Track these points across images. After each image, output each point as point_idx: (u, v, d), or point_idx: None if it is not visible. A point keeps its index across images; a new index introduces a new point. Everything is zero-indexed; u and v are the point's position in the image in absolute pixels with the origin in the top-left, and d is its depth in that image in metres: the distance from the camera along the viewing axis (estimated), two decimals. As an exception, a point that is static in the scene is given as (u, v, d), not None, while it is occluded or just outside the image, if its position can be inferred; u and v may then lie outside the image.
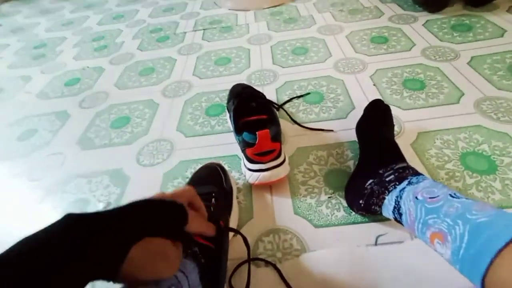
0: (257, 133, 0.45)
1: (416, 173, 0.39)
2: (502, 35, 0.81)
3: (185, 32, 1.13)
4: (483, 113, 0.59)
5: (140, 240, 0.24)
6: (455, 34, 0.85)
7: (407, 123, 0.60)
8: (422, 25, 0.93)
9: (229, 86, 0.69)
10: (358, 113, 0.57)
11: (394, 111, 0.62)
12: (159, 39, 1.11)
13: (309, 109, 0.68)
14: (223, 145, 0.62)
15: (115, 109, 0.78)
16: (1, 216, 0.56)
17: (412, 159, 0.52)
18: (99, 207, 0.54)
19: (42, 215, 0.54)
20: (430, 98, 0.65)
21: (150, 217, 0.26)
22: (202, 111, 0.72)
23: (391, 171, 0.40)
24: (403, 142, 0.55)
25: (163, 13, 1.34)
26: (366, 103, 0.55)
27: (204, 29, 1.12)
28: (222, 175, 0.47)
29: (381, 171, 0.41)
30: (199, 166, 0.51)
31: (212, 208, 0.39)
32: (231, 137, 0.61)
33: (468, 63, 0.73)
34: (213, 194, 0.42)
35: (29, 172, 0.64)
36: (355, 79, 0.75)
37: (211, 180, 0.46)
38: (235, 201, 0.47)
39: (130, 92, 0.84)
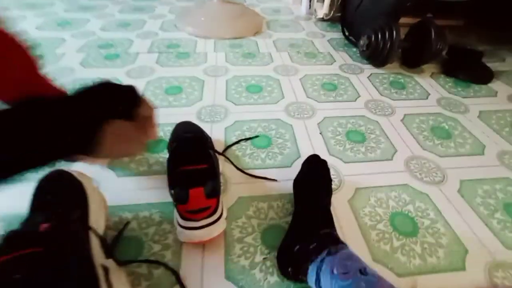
0: (189, 190, 0.41)
1: (336, 241, 0.40)
2: (426, 98, 0.92)
3: (138, 53, 1.06)
4: (410, 172, 0.64)
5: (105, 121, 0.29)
6: (392, 90, 0.94)
7: (347, 177, 0.62)
8: (367, 77, 1.01)
9: (177, 119, 0.65)
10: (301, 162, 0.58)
11: (336, 163, 0.64)
12: (107, 56, 1.03)
13: (255, 154, 0.67)
14: (158, 189, 0.56)
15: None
16: None
17: (347, 216, 0.53)
18: None
19: None
20: (369, 152, 0.69)
21: (110, 98, 0.31)
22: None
23: (315, 238, 0.41)
24: (341, 198, 0.57)
25: (117, 27, 1.26)
26: (311, 153, 0.56)
27: (159, 52, 1.07)
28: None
29: (307, 237, 0.42)
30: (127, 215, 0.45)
31: None
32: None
33: (401, 120, 0.80)
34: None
35: None
36: (303, 125, 0.76)
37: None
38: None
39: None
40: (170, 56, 1.06)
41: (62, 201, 0.41)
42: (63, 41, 1.11)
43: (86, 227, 0.40)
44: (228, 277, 0.43)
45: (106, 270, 0.37)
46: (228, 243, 0.48)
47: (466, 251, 0.49)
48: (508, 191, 0.61)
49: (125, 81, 0.89)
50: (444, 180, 0.62)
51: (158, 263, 0.44)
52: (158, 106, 0.79)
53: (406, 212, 0.55)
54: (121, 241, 0.46)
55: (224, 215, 0.48)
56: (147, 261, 0.44)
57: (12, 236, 0.33)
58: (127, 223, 0.49)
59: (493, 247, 0.50)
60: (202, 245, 0.47)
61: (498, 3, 1.25)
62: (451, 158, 0.69)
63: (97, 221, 0.43)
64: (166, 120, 0.74)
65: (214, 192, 0.44)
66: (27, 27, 1.19)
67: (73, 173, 0.45)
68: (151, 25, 1.30)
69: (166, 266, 0.43)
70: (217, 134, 0.70)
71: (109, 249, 0.40)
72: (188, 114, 0.76)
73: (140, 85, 0.88)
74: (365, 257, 0.47)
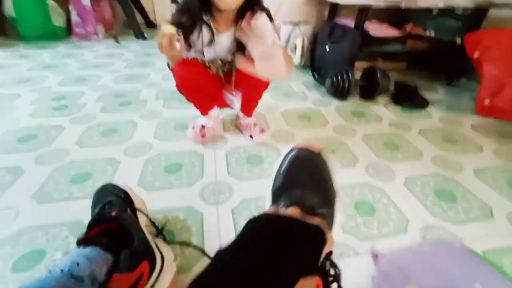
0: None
1: None
2: (381, 122, 1.18)
3: (146, 100, 1.29)
4: (369, 174, 0.85)
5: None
6: (354, 118, 1.20)
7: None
8: (334, 108, 1.27)
9: (187, 148, 0.85)
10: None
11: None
12: (122, 103, 1.24)
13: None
14: (179, 197, 0.73)
15: (75, 166, 0.84)
16: None
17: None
18: (57, 256, 0.57)
19: (-10, 269, 0.55)
20: (338, 162, 0.90)
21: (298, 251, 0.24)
22: (161, 170, 0.84)
23: None
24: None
25: (125, 80, 1.50)
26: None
27: (165, 98, 1.30)
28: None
29: None
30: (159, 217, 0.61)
31: None
32: (187, 190, 0.74)
33: (362, 139, 1.04)
34: None
35: (-25, 226, 0.63)
36: (286, 147, 0.97)
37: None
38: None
39: (92, 151, 0.92)
40: (173, 101, 1.28)
41: (117, 200, 0.58)
42: (83, 93, 1.33)
43: (135, 216, 0.57)
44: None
45: (156, 244, 0.53)
46: (238, 223, 0.64)
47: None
48: (438, 182, 0.82)
49: (138, 122, 1.09)
50: (393, 177, 0.83)
51: (188, 244, 0.59)
52: (169, 139, 0.99)
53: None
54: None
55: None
56: (181, 242, 0.60)
57: (97, 219, 0.50)
58: (166, 223, 0.65)
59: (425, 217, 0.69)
60: (218, 231, 0.63)
61: (427, 53, 1.62)
62: (398, 163, 0.91)
63: (141, 214, 0.60)
64: (178, 149, 0.93)
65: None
66: (51, 84, 1.41)
67: (118, 184, 0.62)
68: (155, 77, 1.55)
69: (194, 246, 0.59)
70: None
71: (159, 231, 0.57)
72: (196, 145, 0.96)
73: (152, 125, 1.08)
74: (338, 231, 0.64)
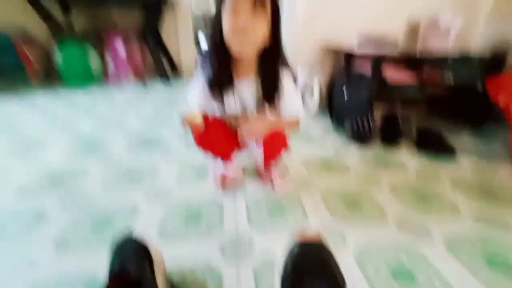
0: None
1: None
2: (406, 170, 1.13)
3: (173, 145, 1.33)
4: (402, 232, 0.78)
5: None
6: (378, 165, 1.16)
7: (350, 236, 0.76)
8: (356, 155, 1.25)
9: (207, 197, 0.83)
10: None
11: (339, 227, 0.79)
12: (146, 144, 1.28)
13: (273, 220, 0.82)
14: (198, 250, 0.70)
15: (96, 213, 0.84)
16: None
17: (355, 272, 0.65)
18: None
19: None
20: (366, 217, 0.85)
21: None
22: (181, 218, 0.82)
23: None
24: (347, 254, 0.70)
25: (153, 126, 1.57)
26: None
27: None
28: None
29: None
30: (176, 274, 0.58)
31: None
32: (207, 243, 0.71)
33: (389, 190, 0.99)
34: None
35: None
36: (309, 197, 0.94)
37: None
38: None
39: (113, 194, 0.93)
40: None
41: (137, 257, 0.56)
42: (110, 136, 1.39)
43: (153, 274, 0.54)
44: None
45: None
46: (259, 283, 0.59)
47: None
48: (486, 246, 0.74)
49: (162, 167, 1.11)
50: (431, 237, 0.76)
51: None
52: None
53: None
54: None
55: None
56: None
57: (117, 278, 0.47)
58: (182, 283, 0.61)
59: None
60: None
61: (447, 98, 1.61)
62: (435, 219, 0.84)
63: (159, 274, 0.57)
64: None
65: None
66: (83, 127, 1.50)
67: (137, 238, 0.61)
68: (178, 119, 1.62)
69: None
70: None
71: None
72: (216, 193, 0.95)
73: (173, 170, 1.09)
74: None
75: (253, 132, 0.80)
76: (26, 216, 0.82)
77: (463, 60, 1.56)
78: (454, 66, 1.58)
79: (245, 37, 0.69)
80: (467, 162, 1.19)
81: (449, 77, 1.59)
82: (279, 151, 0.91)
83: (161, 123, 1.57)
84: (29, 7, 2.23)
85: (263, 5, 0.68)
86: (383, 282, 0.62)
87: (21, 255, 0.69)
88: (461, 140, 1.42)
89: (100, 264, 0.61)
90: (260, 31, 0.70)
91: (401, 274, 0.65)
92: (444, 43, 1.74)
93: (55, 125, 1.51)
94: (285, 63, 0.81)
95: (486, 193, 0.97)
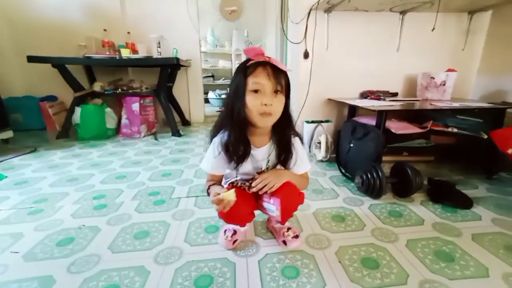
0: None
1: None
2: (422, 223, 1.09)
3: (179, 198, 1.33)
4: (427, 296, 0.72)
5: None
6: (392, 219, 1.12)
7: (371, 303, 0.70)
8: (368, 208, 1.22)
9: (218, 255, 0.80)
10: (329, 293, 0.68)
11: (358, 291, 0.74)
12: (156, 202, 1.29)
13: None
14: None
15: (105, 276, 0.82)
16: None
17: None
18: None
19: None
20: (385, 278, 0.79)
21: None
22: (191, 282, 0.79)
23: None
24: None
25: (161, 177, 1.60)
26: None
27: (196, 196, 1.34)
28: None
29: None
30: None
31: None
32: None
33: (406, 245, 0.94)
34: None
35: None
36: (323, 255, 0.90)
37: None
38: None
39: (123, 257, 0.90)
40: (204, 199, 1.31)
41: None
42: (121, 191, 1.41)
43: None
44: None
45: None
46: None
47: None
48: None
49: (171, 222, 1.10)
50: (458, 302, 0.70)
51: None
52: (201, 244, 0.96)
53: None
54: None
55: None
56: None
57: None
58: None
59: None
60: None
61: (454, 147, 1.63)
62: (461, 282, 0.78)
63: None
64: (208, 256, 0.89)
65: None
66: (95, 182, 1.54)
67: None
68: (188, 174, 1.65)
69: None
70: None
71: None
72: (227, 251, 0.92)
73: (184, 226, 1.08)
74: None
75: (271, 181, 0.82)
76: (32, 285, 0.79)
77: (464, 113, 1.62)
78: (456, 119, 1.63)
79: (270, 116, 0.79)
80: (487, 215, 1.15)
81: (453, 128, 1.64)
82: (295, 206, 0.91)
83: (170, 177, 1.60)
84: (57, 74, 2.48)
85: (282, 86, 0.79)
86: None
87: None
88: (476, 190, 1.39)
89: None
90: (280, 109, 0.80)
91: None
92: (442, 96, 1.83)
93: (68, 181, 1.55)
94: (294, 129, 0.89)
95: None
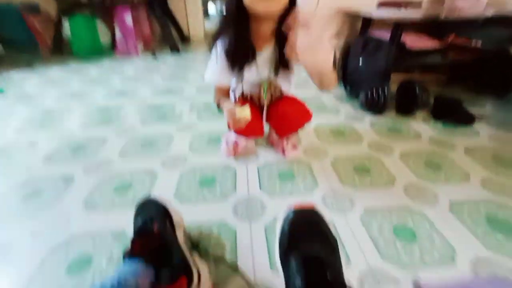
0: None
1: None
2: (419, 139, 1.11)
3: (182, 112, 1.35)
4: (409, 196, 0.80)
5: None
6: (390, 134, 1.15)
7: (358, 200, 0.78)
8: (368, 124, 1.23)
9: (220, 163, 0.87)
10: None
11: (347, 191, 0.82)
12: (159, 116, 1.32)
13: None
14: (212, 211, 0.75)
15: (118, 177, 0.90)
16: (6, 273, 0.61)
17: (361, 233, 0.69)
18: (103, 261, 0.61)
19: (45, 273, 0.60)
20: (374, 182, 0.86)
21: None
22: (196, 183, 0.87)
23: None
24: (353, 216, 0.73)
25: (163, 93, 1.59)
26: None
27: (199, 111, 1.36)
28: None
29: None
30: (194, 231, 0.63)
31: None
32: (220, 205, 0.76)
33: (399, 157, 0.99)
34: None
35: (32, 230, 0.70)
36: (319, 164, 0.96)
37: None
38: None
39: (132, 161, 0.98)
40: (207, 113, 1.33)
41: (158, 215, 0.61)
42: (124, 107, 1.43)
43: (174, 231, 0.59)
44: (271, 264, 0.59)
45: (193, 259, 0.55)
46: (270, 240, 0.64)
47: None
48: (490, 208, 0.75)
49: (174, 134, 1.15)
50: (436, 200, 0.78)
51: (222, 260, 0.60)
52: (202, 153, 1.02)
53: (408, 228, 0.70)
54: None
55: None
56: (216, 258, 0.61)
57: (141, 234, 0.52)
58: (200, 239, 0.67)
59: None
60: (251, 248, 0.64)
61: (472, 65, 1.51)
62: (442, 185, 0.85)
63: (179, 230, 0.62)
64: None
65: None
66: (97, 98, 1.54)
67: (158, 199, 0.65)
68: (189, 90, 1.63)
69: (228, 262, 0.60)
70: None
71: (194, 247, 0.59)
72: (228, 159, 0.98)
73: (187, 138, 1.13)
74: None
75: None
76: (56, 181, 0.89)
77: (496, 21, 1.44)
78: (485, 29, 1.46)
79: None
80: (485, 131, 1.16)
81: (477, 41, 1.49)
82: (302, 124, 0.92)
83: (172, 93, 1.59)
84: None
85: None
86: (386, 240, 0.66)
87: (56, 213, 0.76)
88: (482, 109, 1.36)
89: (126, 222, 0.67)
90: None
91: (403, 232, 0.68)
92: (475, 4, 1.60)
93: (70, 96, 1.56)
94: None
95: (501, 162, 0.96)
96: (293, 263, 0.42)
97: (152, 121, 1.27)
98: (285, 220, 0.49)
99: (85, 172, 0.92)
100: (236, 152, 0.99)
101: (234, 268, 0.59)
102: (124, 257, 0.48)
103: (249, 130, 0.88)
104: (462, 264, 0.61)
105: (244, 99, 0.91)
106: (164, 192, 0.82)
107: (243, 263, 0.61)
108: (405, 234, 0.68)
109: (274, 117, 0.92)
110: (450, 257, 0.62)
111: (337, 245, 0.47)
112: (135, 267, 0.45)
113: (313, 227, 0.48)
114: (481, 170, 0.91)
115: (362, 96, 1.32)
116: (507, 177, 0.88)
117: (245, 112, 0.75)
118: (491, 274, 0.58)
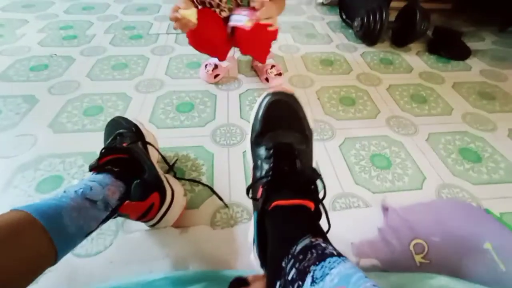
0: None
1: (321, 257, 0.27)
2: (410, 72, 1.06)
3: (158, 34, 1.20)
4: (390, 127, 0.79)
5: None
6: (381, 66, 1.08)
7: (339, 130, 0.77)
8: (360, 55, 1.15)
9: (199, 88, 0.81)
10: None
11: (330, 121, 0.80)
12: (132, 37, 1.17)
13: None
14: (190, 137, 0.72)
15: (87, 98, 0.83)
16: (-32, 190, 0.59)
17: (339, 160, 0.69)
18: (73, 183, 0.60)
19: (14, 192, 0.58)
20: (358, 113, 0.84)
21: None
22: (173, 107, 0.82)
23: (291, 262, 0.28)
24: (333, 145, 0.73)
25: (136, 11, 1.39)
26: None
27: (177, 34, 1.21)
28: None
29: (283, 264, 0.29)
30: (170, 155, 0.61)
31: None
32: (199, 130, 0.73)
33: (386, 89, 0.95)
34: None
35: (-3, 150, 0.66)
36: (304, 93, 0.91)
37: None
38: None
39: (103, 84, 0.89)
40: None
41: (129, 132, 0.57)
42: (91, 23, 1.25)
43: (146, 150, 0.57)
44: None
45: (166, 178, 0.54)
46: (247, 166, 0.64)
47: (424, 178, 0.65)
48: (465, 141, 0.76)
49: (150, 57, 1.04)
50: (416, 131, 0.78)
51: (198, 181, 0.60)
52: (181, 78, 0.94)
53: (383, 153, 0.71)
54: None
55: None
56: (191, 180, 0.61)
57: (109, 148, 0.49)
58: (176, 159, 0.65)
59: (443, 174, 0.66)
60: (228, 172, 0.64)
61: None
62: (424, 118, 0.84)
63: (152, 149, 0.59)
64: (190, 88, 0.89)
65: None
66: (57, 11, 1.33)
67: (129, 118, 0.61)
68: (166, 9, 1.42)
69: (203, 184, 0.60)
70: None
71: (170, 167, 0.57)
72: (209, 84, 0.92)
73: (164, 61, 1.02)
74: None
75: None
76: (17, 101, 0.81)
77: None
78: None
79: None
80: (478, 66, 1.11)
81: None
82: (268, 42, 0.84)
83: (147, 11, 1.39)
84: None
85: None
86: (361, 168, 0.67)
87: (21, 134, 0.71)
88: (482, 42, 1.29)
89: (98, 145, 0.64)
90: None
91: (379, 160, 0.70)
92: None
93: (24, 7, 1.34)
94: None
95: (485, 97, 0.95)
96: (263, 148, 0.41)
97: (124, 42, 1.13)
98: (262, 102, 0.44)
99: (50, 94, 0.84)
100: (216, 77, 0.92)
101: (210, 190, 0.60)
102: (91, 170, 0.45)
103: (209, 45, 0.81)
104: (429, 189, 0.64)
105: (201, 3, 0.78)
106: (138, 116, 0.78)
107: (219, 186, 0.61)
108: (381, 162, 0.69)
109: (237, 33, 0.80)
110: (419, 183, 0.65)
111: (312, 136, 0.45)
112: (103, 179, 0.43)
113: (290, 113, 0.43)
114: (465, 104, 0.90)
115: (357, 21, 1.20)
116: (487, 111, 0.88)
117: (190, 15, 0.64)
118: (452, 198, 0.62)
